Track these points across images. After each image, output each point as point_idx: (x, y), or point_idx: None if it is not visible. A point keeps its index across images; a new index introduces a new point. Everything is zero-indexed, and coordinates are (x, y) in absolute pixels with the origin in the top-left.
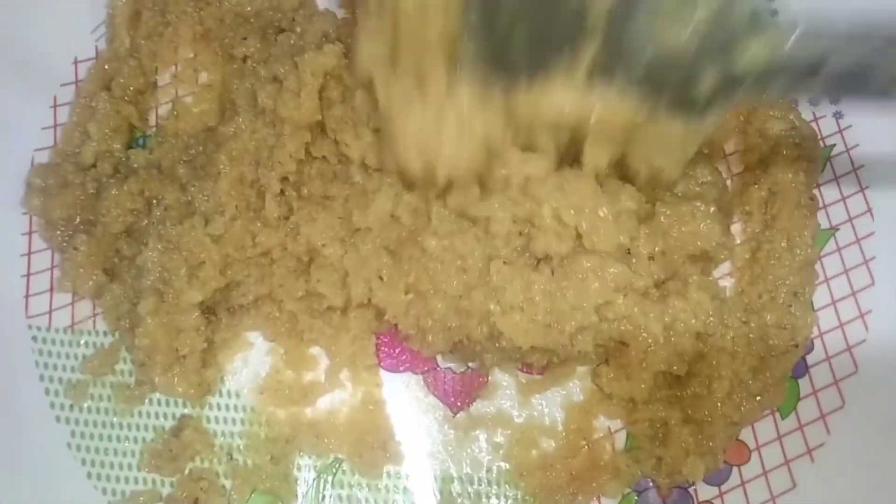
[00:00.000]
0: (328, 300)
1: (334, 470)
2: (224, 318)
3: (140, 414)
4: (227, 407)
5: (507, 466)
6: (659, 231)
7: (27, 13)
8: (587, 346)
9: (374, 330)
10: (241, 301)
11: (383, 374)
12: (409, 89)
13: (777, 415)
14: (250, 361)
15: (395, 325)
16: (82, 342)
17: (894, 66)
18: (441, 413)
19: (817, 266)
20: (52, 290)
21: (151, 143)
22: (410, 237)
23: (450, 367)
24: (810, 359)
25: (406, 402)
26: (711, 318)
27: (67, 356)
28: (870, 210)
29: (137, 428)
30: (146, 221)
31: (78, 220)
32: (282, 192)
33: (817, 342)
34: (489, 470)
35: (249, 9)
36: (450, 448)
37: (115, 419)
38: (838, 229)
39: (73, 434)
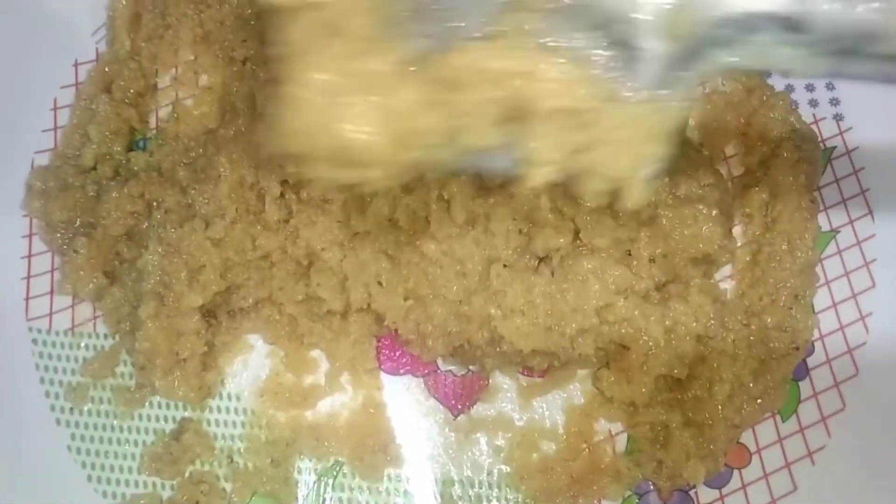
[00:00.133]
0: (328, 304)
1: (335, 473)
2: (224, 321)
3: (140, 417)
4: (228, 410)
5: (508, 469)
6: (660, 233)
7: (27, 15)
8: (588, 348)
9: (374, 334)
10: (242, 304)
11: (384, 376)
12: (319, 39)
13: (778, 417)
14: (250, 364)
15: (396, 330)
16: (83, 345)
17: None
18: (442, 416)
19: (818, 268)
20: (52, 292)
21: (152, 145)
22: (409, 241)
23: (450, 370)
24: (811, 361)
25: (407, 405)
26: (712, 321)
27: (68, 359)
28: (870, 212)
29: (138, 431)
30: (146, 224)
31: (78, 222)
32: (282, 194)
33: (818, 345)
34: (490, 473)
35: (250, 11)
36: (450, 451)
37: (115, 422)
38: (839, 231)
39: (73, 437)
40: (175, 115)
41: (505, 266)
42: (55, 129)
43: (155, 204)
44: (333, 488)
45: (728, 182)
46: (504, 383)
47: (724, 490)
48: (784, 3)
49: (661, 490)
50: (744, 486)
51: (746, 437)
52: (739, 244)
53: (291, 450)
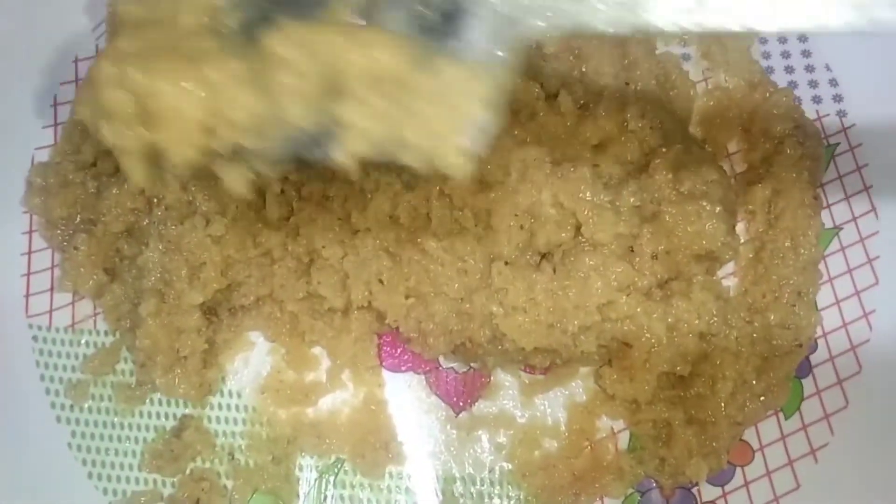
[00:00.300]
0: (329, 302)
1: (336, 470)
2: (225, 319)
3: (141, 414)
4: (229, 407)
5: (510, 467)
6: (663, 230)
7: (27, 12)
8: (590, 346)
9: (375, 331)
10: (243, 301)
11: (385, 373)
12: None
13: (781, 415)
14: (251, 361)
15: (397, 328)
16: (83, 342)
17: None
18: (443, 413)
19: (821, 265)
20: (52, 289)
21: None
22: (410, 238)
23: (452, 368)
24: (814, 359)
25: (408, 402)
26: (715, 318)
27: (68, 356)
28: (874, 209)
29: (138, 428)
30: (147, 221)
31: (78, 219)
32: (282, 191)
33: (821, 342)
34: (491, 470)
35: None
36: (452, 448)
37: (115, 419)
38: (842, 228)
39: (73, 434)
40: None
41: (506, 263)
42: (55, 125)
43: (155, 201)
44: (335, 485)
45: (731, 178)
46: (506, 380)
47: (727, 487)
48: None
49: (663, 488)
50: (746, 484)
51: (749, 435)
52: (742, 241)
53: (293, 447)
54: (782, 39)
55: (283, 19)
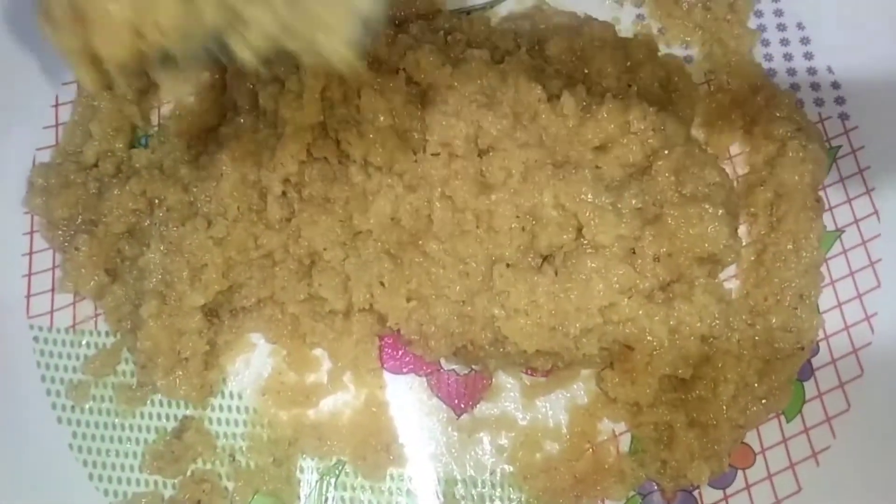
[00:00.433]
0: (330, 304)
1: (337, 472)
2: (226, 320)
3: (142, 415)
4: (230, 408)
5: (511, 469)
6: (665, 232)
7: (29, 12)
8: (592, 348)
9: (376, 333)
10: (244, 303)
11: (386, 375)
12: None
13: (782, 418)
14: (252, 363)
15: (398, 330)
16: (84, 343)
17: None
18: (445, 415)
19: (823, 268)
20: (53, 290)
21: (153, 143)
22: (412, 240)
23: (453, 370)
24: (816, 361)
25: (409, 404)
26: (717, 321)
27: (69, 357)
28: (876, 212)
29: (139, 429)
30: (148, 222)
31: (80, 219)
32: (283, 193)
33: (823, 345)
34: (493, 472)
35: None
36: (453, 450)
37: (116, 420)
38: (844, 231)
39: (74, 435)
40: (177, 113)
41: (508, 265)
42: (56, 125)
43: (157, 201)
44: (336, 487)
45: (733, 181)
46: (507, 383)
47: (729, 490)
48: None
49: (664, 490)
50: (748, 487)
51: (751, 438)
52: (744, 243)
53: (293, 449)
54: (785, 42)
55: None
